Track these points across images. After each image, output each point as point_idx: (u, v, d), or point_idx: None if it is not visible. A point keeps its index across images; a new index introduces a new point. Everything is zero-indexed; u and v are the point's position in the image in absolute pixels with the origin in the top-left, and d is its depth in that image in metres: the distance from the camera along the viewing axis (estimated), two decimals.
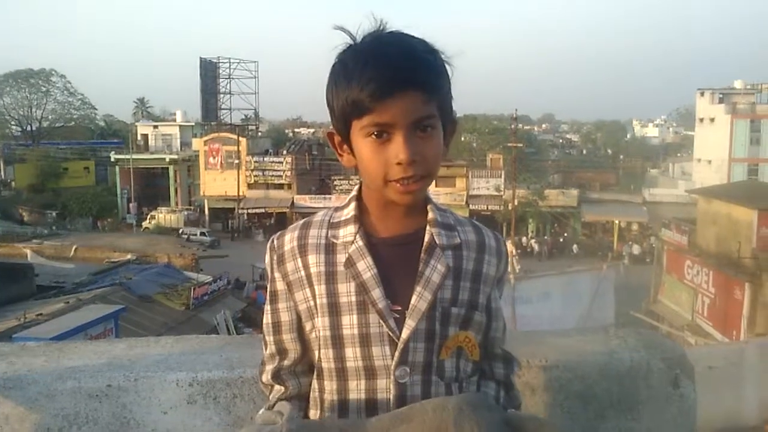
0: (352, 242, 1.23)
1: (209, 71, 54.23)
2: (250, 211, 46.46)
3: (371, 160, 1.18)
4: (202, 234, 42.18)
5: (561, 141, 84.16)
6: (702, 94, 47.87)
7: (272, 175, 47.08)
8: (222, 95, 55.29)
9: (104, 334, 13.98)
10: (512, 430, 1.09)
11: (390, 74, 1.13)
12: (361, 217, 1.26)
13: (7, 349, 1.88)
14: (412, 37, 1.19)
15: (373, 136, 1.16)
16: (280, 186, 47.04)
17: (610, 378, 1.78)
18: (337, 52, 1.21)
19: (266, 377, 1.32)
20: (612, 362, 1.81)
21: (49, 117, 63.35)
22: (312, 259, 1.24)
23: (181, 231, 42.23)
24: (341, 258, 1.22)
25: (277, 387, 1.30)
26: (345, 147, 1.25)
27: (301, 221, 1.31)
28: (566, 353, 1.82)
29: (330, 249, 1.24)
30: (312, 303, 1.23)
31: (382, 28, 1.19)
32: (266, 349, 1.32)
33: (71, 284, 19.63)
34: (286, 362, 1.30)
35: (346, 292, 1.20)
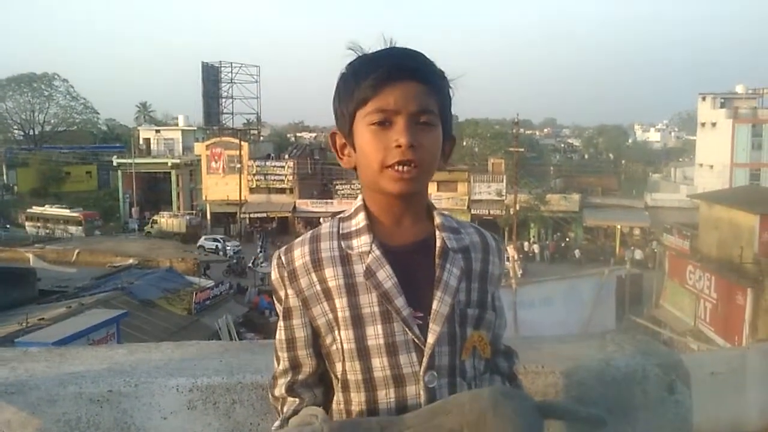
0: (369, 252, 1.22)
1: (211, 75, 54.30)
2: (252, 215, 46.45)
3: (371, 145, 1.21)
4: (215, 240, 39.68)
5: (563, 145, 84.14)
6: (703, 98, 47.74)
7: (274, 180, 47.11)
8: (224, 99, 55.39)
9: (106, 339, 14.00)
10: (544, 415, 1.16)
11: (394, 64, 1.20)
12: (372, 227, 1.26)
13: (9, 354, 1.89)
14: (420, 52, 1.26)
15: (375, 125, 1.20)
16: (282, 190, 47.04)
17: (606, 384, 1.79)
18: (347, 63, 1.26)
19: (279, 391, 1.30)
20: (608, 368, 1.82)
21: (52, 121, 63.57)
22: (329, 272, 1.23)
23: (199, 244, 39.39)
24: (359, 269, 1.22)
25: (291, 399, 1.28)
26: (347, 150, 1.28)
27: (308, 235, 1.29)
28: (563, 359, 1.83)
29: (346, 260, 1.23)
30: (331, 316, 1.22)
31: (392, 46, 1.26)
32: (279, 364, 1.30)
33: (73, 289, 19.67)
34: (300, 376, 1.29)
35: (369, 302, 1.20)
